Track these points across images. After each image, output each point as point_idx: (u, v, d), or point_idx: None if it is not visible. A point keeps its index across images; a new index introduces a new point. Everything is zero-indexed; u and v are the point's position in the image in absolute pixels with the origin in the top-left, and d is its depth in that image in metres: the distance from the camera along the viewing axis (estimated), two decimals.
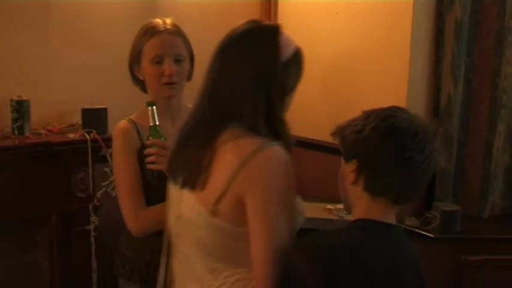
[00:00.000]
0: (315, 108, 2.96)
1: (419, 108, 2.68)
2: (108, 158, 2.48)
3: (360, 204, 1.39)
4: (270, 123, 1.38)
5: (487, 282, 2.50)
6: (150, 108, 1.75)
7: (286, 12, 3.09)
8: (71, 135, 2.46)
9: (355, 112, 1.65)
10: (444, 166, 2.66)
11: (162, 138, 1.73)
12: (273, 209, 1.32)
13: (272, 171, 1.33)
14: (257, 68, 1.36)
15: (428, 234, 2.56)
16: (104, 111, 2.54)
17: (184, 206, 1.42)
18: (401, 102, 2.62)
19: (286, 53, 1.39)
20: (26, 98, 2.41)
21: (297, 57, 1.43)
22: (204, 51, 2.96)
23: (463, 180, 2.71)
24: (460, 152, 2.71)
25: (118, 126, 1.85)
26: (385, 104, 2.86)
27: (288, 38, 1.42)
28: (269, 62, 1.37)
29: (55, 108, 2.58)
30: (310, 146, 2.91)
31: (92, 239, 2.52)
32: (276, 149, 1.35)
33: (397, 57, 2.64)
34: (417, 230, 2.59)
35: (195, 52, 3.01)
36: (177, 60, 1.81)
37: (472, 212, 2.70)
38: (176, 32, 1.85)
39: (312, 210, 2.54)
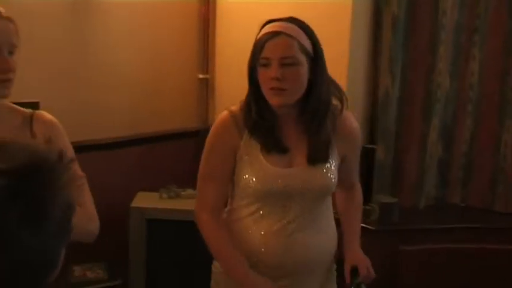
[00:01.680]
0: None
1: (357, 101, 2.73)
2: None
3: None
4: None
5: (421, 271, 2.59)
6: None
7: (224, 1, 3.03)
8: None
9: None
10: (382, 159, 2.72)
11: None
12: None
13: None
14: None
15: (368, 227, 2.61)
16: (34, 105, 2.39)
17: None
18: None
19: None
20: None
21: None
22: (140, 39, 2.91)
23: (400, 172, 2.78)
24: (397, 144, 2.77)
25: None
26: None
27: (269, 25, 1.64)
28: None
29: None
30: None
31: None
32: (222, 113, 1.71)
33: (336, 51, 2.63)
34: None
35: (131, 41, 2.93)
36: (10, 52, 1.44)
37: (409, 203, 2.77)
38: (9, 18, 1.47)
39: None
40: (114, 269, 2.72)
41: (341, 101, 1.68)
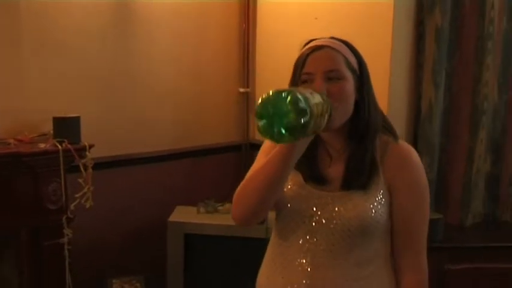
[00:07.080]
0: None
1: (400, 114, 2.65)
2: (82, 168, 2.40)
3: None
4: None
5: None
6: None
7: (264, 16, 3.04)
8: (42, 145, 2.37)
9: None
10: (425, 173, 2.62)
11: None
12: None
13: None
14: None
15: None
16: (76, 119, 2.45)
17: None
18: (382, 108, 2.58)
19: None
20: None
21: None
22: (182, 53, 2.94)
23: (444, 188, 2.68)
24: (441, 159, 2.68)
25: None
26: None
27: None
28: None
29: (25, 116, 2.49)
30: None
31: (66, 253, 2.43)
32: None
33: (378, 63, 2.59)
34: None
35: (173, 55, 2.98)
36: None
37: (455, 220, 2.66)
38: None
39: None
40: (152, 283, 2.73)
41: (391, 131, 1.48)
